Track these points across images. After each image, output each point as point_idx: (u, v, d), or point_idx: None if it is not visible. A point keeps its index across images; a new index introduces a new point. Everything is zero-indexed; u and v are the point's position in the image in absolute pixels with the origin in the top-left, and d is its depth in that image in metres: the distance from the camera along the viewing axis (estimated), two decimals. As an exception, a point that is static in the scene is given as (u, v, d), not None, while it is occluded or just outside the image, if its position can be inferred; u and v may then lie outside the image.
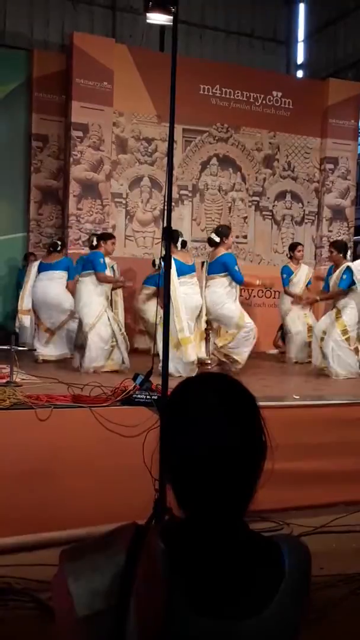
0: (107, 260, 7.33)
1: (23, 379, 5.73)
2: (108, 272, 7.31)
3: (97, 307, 7.12)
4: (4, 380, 5.38)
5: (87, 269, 7.28)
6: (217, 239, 7.32)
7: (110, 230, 10.37)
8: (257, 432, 1.14)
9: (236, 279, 7.24)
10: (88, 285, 7.20)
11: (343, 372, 7.21)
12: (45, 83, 10.81)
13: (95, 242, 7.44)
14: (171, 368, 6.67)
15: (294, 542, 1.25)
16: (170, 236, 3.96)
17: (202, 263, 7.46)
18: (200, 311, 7.09)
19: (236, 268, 7.24)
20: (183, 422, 1.13)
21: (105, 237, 7.60)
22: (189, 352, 6.65)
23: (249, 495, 1.13)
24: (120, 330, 7.28)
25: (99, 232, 8.63)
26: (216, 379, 1.20)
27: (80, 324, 7.23)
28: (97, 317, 7.06)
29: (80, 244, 9.82)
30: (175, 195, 10.55)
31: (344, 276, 7.31)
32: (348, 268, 7.34)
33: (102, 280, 7.19)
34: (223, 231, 7.47)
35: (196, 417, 1.12)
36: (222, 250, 7.29)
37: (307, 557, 1.21)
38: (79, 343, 7.32)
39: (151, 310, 8.50)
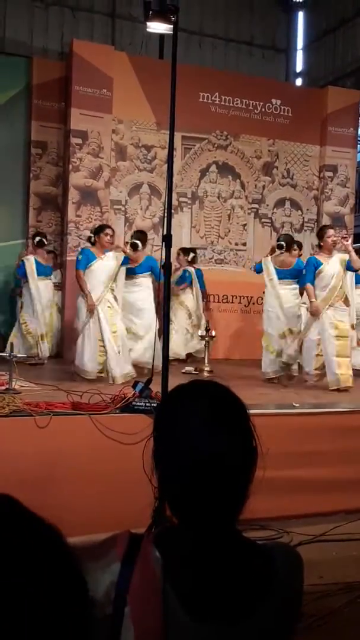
0: (112, 253, 7.10)
1: (22, 386, 5.73)
2: (97, 269, 7.00)
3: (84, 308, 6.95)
4: (3, 388, 5.38)
5: None
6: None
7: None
8: (247, 438, 1.15)
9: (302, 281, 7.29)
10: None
11: None
12: (44, 90, 10.82)
13: (92, 240, 7.27)
14: None
15: (286, 548, 1.27)
16: (170, 243, 3.97)
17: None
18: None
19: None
20: (174, 429, 1.14)
21: (98, 230, 7.33)
22: None
23: (240, 501, 1.14)
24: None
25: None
26: (207, 386, 1.21)
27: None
28: (86, 317, 6.88)
29: (79, 251, 9.80)
30: (174, 202, 10.55)
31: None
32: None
33: (76, 277, 7.07)
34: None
35: (186, 423, 1.13)
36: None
37: (299, 563, 1.22)
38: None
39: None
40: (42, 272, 9.06)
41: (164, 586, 1.06)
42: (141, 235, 8.15)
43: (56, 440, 4.43)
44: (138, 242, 7.71)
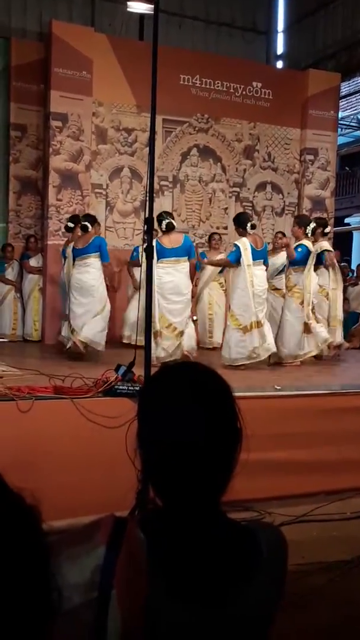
0: None
1: (4, 371, 5.71)
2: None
3: None
4: (-15, 373, 5.35)
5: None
6: None
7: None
8: (231, 420, 1.15)
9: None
10: None
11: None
12: (23, 72, 10.66)
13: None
14: None
15: (270, 528, 1.27)
16: (152, 227, 3.96)
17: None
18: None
19: None
20: (157, 411, 1.14)
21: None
22: None
23: (224, 483, 1.14)
24: None
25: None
26: (191, 367, 1.20)
27: None
28: None
29: (60, 234, 9.75)
30: (155, 186, 10.47)
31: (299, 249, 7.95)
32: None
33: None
34: None
35: (170, 406, 1.12)
36: None
37: (283, 543, 1.23)
38: None
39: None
40: None
41: (151, 569, 1.06)
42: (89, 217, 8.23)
43: (39, 425, 4.43)
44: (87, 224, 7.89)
